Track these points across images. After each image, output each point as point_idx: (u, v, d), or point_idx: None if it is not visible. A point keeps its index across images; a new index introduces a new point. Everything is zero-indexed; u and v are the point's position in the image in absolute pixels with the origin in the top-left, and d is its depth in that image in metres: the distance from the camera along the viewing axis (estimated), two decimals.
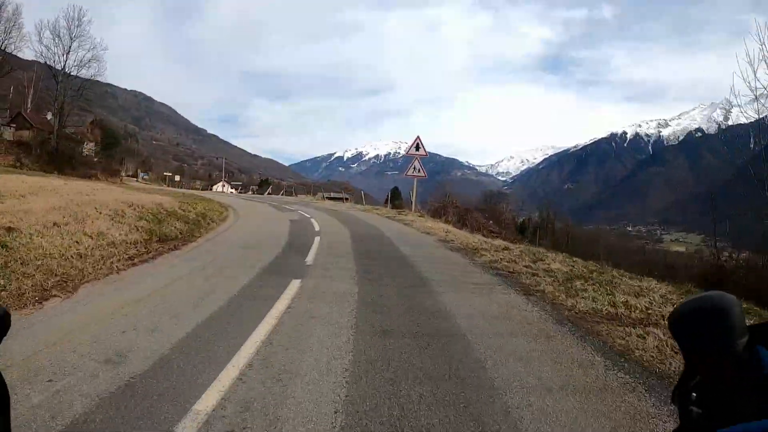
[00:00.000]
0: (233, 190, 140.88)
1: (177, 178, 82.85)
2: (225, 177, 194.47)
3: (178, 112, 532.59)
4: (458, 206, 23.24)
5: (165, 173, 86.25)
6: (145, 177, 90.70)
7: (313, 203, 32.76)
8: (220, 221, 16.23)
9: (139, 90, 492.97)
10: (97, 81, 59.57)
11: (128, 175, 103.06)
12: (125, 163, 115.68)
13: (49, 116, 62.21)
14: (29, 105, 61.01)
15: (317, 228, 15.16)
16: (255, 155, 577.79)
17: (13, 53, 52.34)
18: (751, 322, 0.63)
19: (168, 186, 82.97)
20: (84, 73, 56.03)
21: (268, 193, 65.59)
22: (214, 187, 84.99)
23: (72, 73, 54.98)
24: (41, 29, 52.85)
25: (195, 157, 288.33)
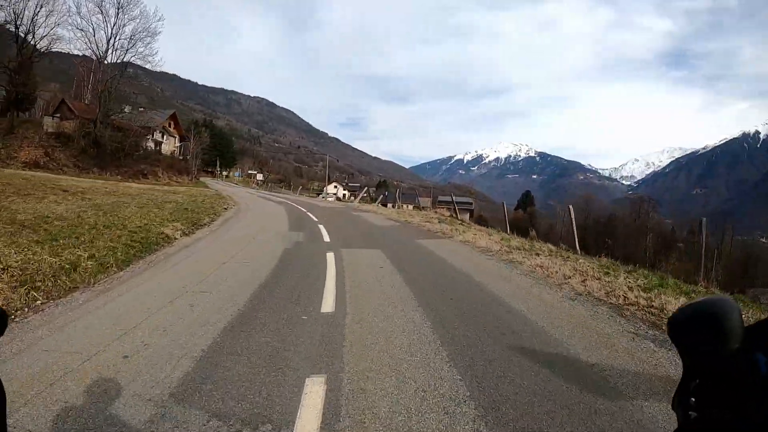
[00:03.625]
0: (345, 192, 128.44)
1: (259, 177, 70.53)
2: (346, 179, 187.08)
3: (300, 116, 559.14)
4: None
5: (249, 171, 73.87)
6: (238, 176, 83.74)
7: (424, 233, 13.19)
8: None
9: (262, 96, 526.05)
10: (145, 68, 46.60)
11: (247, 175, 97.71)
12: (238, 162, 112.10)
13: (127, 109, 51.44)
14: (88, 94, 50.48)
15: None
16: (375, 157, 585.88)
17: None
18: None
19: (253, 185, 73.20)
20: (134, 55, 43.44)
21: (380, 202, 47.05)
22: (325, 188, 70.14)
23: (119, 53, 42.70)
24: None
25: (315, 159, 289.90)
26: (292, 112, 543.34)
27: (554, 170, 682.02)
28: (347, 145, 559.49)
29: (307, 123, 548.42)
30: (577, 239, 11.97)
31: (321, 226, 12.78)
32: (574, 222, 11.78)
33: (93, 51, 41.87)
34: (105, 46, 41.25)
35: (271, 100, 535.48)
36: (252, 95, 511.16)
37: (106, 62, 41.94)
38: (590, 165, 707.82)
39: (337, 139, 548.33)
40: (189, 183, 48.56)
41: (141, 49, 42.52)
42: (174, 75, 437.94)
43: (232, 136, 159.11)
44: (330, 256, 7.85)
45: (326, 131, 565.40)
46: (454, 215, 18.41)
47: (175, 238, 10.47)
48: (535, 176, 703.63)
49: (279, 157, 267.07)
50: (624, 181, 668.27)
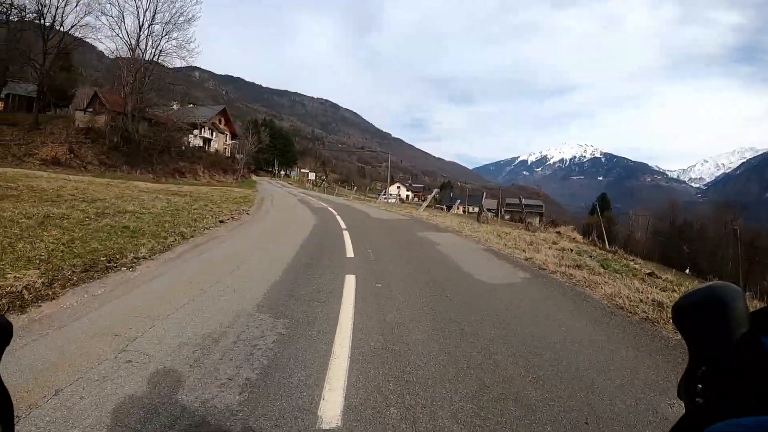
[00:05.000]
0: (409, 193, 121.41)
1: (311, 176, 65.62)
2: (409, 179, 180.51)
3: (364, 117, 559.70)
4: None
5: (302, 170, 69.38)
6: (294, 175, 79.55)
7: None
8: None
9: (325, 98, 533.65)
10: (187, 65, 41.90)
11: (302, 174, 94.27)
12: (300, 162, 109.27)
13: (175, 106, 47.35)
14: (127, 87, 46.78)
15: None
16: (439, 158, 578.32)
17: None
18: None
19: (307, 185, 67.43)
20: (168, 41, 38.76)
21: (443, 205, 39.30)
22: (386, 189, 63.31)
23: (154, 40, 38.14)
24: None
25: (379, 160, 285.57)
26: (356, 113, 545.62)
27: (620, 172, 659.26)
28: (411, 145, 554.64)
29: (371, 124, 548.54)
30: None
31: (348, 285, 5.33)
32: None
33: (123, 39, 37.72)
34: (137, 33, 36.80)
35: (334, 101, 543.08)
36: (315, 97, 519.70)
37: (138, 50, 37.42)
38: (657, 166, 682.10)
39: (400, 140, 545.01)
40: (233, 182, 43.31)
41: (176, 35, 37.92)
42: (239, 78, 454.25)
43: (294, 137, 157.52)
44: None
45: (390, 132, 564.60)
46: (599, 242, 10.23)
47: None
48: (600, 178, 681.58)
49: (342, 157, 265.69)
50: (693, 184, 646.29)
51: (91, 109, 39.47)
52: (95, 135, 36.32)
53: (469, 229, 12.34)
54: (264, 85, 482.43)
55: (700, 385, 0.62)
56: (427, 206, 23.75)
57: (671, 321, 0.63)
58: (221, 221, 12.16)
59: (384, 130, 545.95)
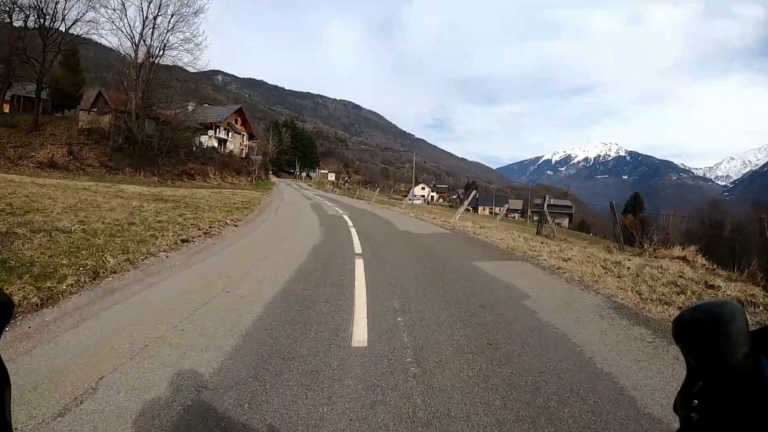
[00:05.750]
0: (434, 194, 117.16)
1: (331, 177, 64.09)
2: (433, 180, 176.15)
3: (386, 118, 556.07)
4: None
5: (321, 171, 67.44)
6: (314, 176, 77.37)
7: None
8: None
9: (348, 99, 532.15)
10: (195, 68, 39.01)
11: (321, 175, 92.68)
12: (323, 163, 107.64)
13: (190, 107, 44.82)
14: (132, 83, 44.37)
15: None
16: (462, 158, 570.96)
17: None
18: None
19: (328, 186, 64.28)
20: (172, 33, 36.35)
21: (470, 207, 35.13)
22: (412, 190, 59.74)
23: (161, 33, 35.55)
24: None
25: (402, 161, 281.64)
26: (379, 115, 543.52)
27: (646, 170, 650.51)
28: (434, 146, 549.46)
29: (394, 125, 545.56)
30: None
31: None
32: None
33: (125, 33, 35.42)
34: (141, 26, 34.25)
35: (357, 102, 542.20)
36: (338, 98, 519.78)
37: (143, 44, 34.81)
38: (683, 164, 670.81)
39: (423, 141, 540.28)
40: (246, 184, 40.30)
41: (182, 28, 35.70)
42: (261, 81, 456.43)
43: (317, 138, 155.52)
44: None
45: (413, 133, 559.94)
46: (762, 279, 6.30)
47: None
48: (625, 177, 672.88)
49: (365, 158, 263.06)
50: (719, 182, 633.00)
51: (95, 109, 37.19)
52: (98, 136, 33.90)
53: (547, 252, 8.28)
54: (287, 88, 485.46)
55: (696, 401, 0.62)
56: (457, 210, 19.82)
57: (672, 335, 0.65)
58: (184, 240, 8.60)
59: (407, 131, 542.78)
